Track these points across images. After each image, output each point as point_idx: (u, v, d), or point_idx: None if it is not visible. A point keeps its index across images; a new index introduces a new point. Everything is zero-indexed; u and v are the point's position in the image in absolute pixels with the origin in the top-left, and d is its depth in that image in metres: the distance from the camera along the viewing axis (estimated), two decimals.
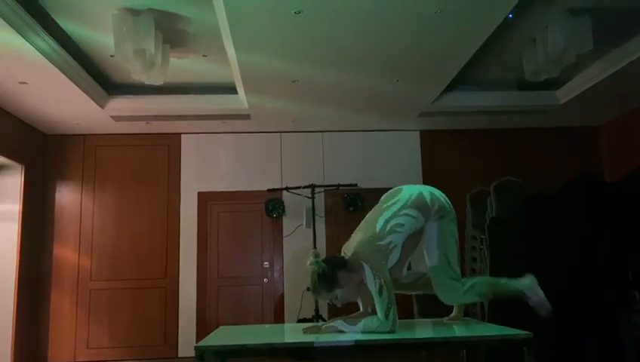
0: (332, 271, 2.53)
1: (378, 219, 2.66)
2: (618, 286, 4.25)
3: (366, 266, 2.50)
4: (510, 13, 4.35)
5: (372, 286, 2.49)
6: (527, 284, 2.77)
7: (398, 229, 2.61)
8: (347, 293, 2.60)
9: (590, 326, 4.34)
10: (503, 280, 2.82)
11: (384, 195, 2.86)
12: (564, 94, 6.48)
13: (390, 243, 2.58)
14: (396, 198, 2.74)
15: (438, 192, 2.82)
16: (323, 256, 2.63)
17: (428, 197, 2.73)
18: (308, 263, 2.56)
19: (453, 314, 2.93)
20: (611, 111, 7.03)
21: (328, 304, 6.80)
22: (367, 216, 2.79)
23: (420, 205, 2.69)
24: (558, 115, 7.03)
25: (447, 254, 2.72)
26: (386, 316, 2.45)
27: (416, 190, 2.77)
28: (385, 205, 2.73)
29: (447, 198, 2.82)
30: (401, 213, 2.65)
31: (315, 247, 6.61)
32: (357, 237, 2.67)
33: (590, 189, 4.69)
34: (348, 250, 2.65)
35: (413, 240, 2.73)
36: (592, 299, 4.34)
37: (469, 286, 2.75)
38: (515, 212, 5.35)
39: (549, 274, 4.56)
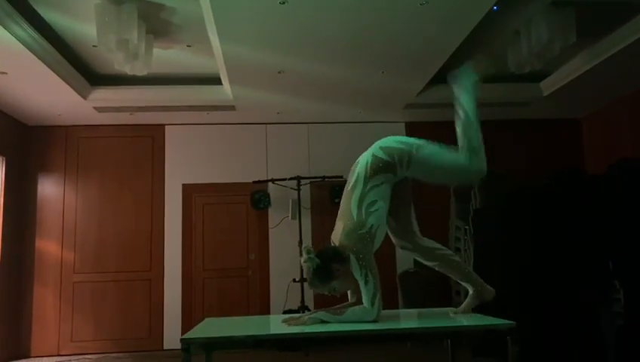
0: (326, 265, 2.53)
1: (350, 204, 2.62)
2: (599, 276, 4.32)
3: (352, 256, 2.52)
4: (495, 6, 4.37)
5: (358, 275, 2.51)
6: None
7: (374, 208, 2.57)
8: (343, 283, 2.61)
9: (571, 314, 4.41)
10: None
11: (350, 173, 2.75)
12: (548, 86, 6.54)
13: (372, 227, 2.55)
14: (355, 175, 2.65)
15: (388, 141, 2.70)
16: (307, 246, 2.62)
17: (382, 154, 2.62)
18: (302, 260, 2.55)
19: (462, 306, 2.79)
20: (594, 103, 7.11)
21: (314, 295, 6.83)
22: (341, 200, 2.73)
23: (379, 168, 2.61)
24: (541, 106, 7.09)
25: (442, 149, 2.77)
26: (372, 304, 2.47)
27: (368, 155, 2.67)
28: (350, 187, 2.67)
29: (402, 139, 2.72)
30: (367, 188, 2.59)
31: (300, 239, 6.62)
32: (339, 226, 2.67)
33: (572, 182, 4.75)
34: (335, 239, 2.66)
35: (398, 197, 2.69)
36: (574, 288, 4.41)
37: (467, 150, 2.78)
38: (498, 203, 5.40)
39: (531, 265, 4.63)
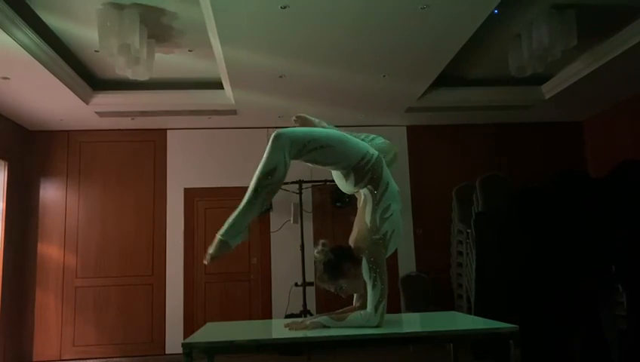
0: (338, 261, 2.53)
1: (365, 213, 2.63)
2: (601, 279, 4.31)
3: (364, 259, 2.52)
4: (495, 9, 4.37)
5: (367, 278, 2.50)
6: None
7: (388, 214, 2.59)
8: (351, 285, 2.59)
9: (574, 318, 4.40)
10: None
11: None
12: (549, 89, 6.53)
13: (386, 233, 2.57)
14: (363, 196, 2.67)
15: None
16: (324, 240, 2.62)
17: (361, 170, 2.62)
18: (315, 252, 2.56)
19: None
20: (596, 106, 7.10)
21: (317, 299, 6.82)
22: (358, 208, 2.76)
23: (373, 178, 2.61)
24: (543, 110, 7.08)
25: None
26: (376, 309, 2.46)
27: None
28: (361, 202, 2.69)
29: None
30: (378, 196, 2.60)
31: (302, 243, 6.61)
32: (355, 229, 2.68)
33: (574, 185, 4.74)
34: (352, 242, 2.66)
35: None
36: (576, 291, 4.40)
37: None
38: (501, 206, 5.40)
39: (533, 268, 4.62)
